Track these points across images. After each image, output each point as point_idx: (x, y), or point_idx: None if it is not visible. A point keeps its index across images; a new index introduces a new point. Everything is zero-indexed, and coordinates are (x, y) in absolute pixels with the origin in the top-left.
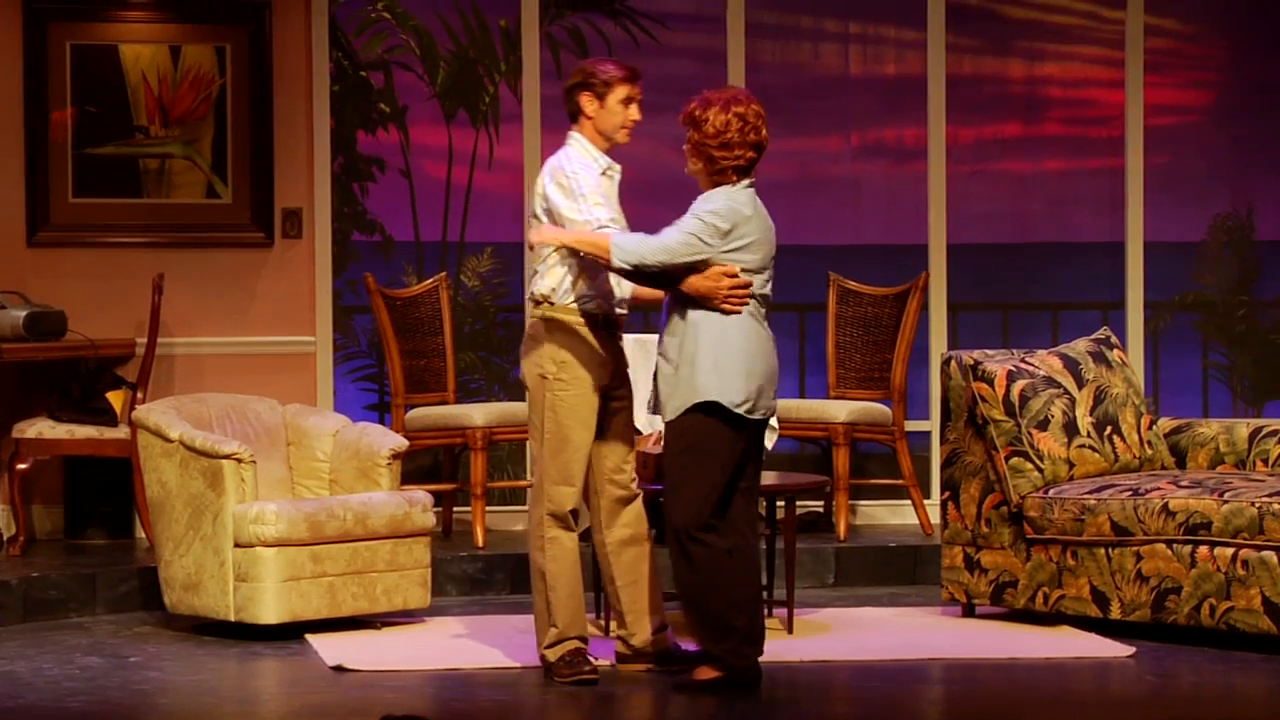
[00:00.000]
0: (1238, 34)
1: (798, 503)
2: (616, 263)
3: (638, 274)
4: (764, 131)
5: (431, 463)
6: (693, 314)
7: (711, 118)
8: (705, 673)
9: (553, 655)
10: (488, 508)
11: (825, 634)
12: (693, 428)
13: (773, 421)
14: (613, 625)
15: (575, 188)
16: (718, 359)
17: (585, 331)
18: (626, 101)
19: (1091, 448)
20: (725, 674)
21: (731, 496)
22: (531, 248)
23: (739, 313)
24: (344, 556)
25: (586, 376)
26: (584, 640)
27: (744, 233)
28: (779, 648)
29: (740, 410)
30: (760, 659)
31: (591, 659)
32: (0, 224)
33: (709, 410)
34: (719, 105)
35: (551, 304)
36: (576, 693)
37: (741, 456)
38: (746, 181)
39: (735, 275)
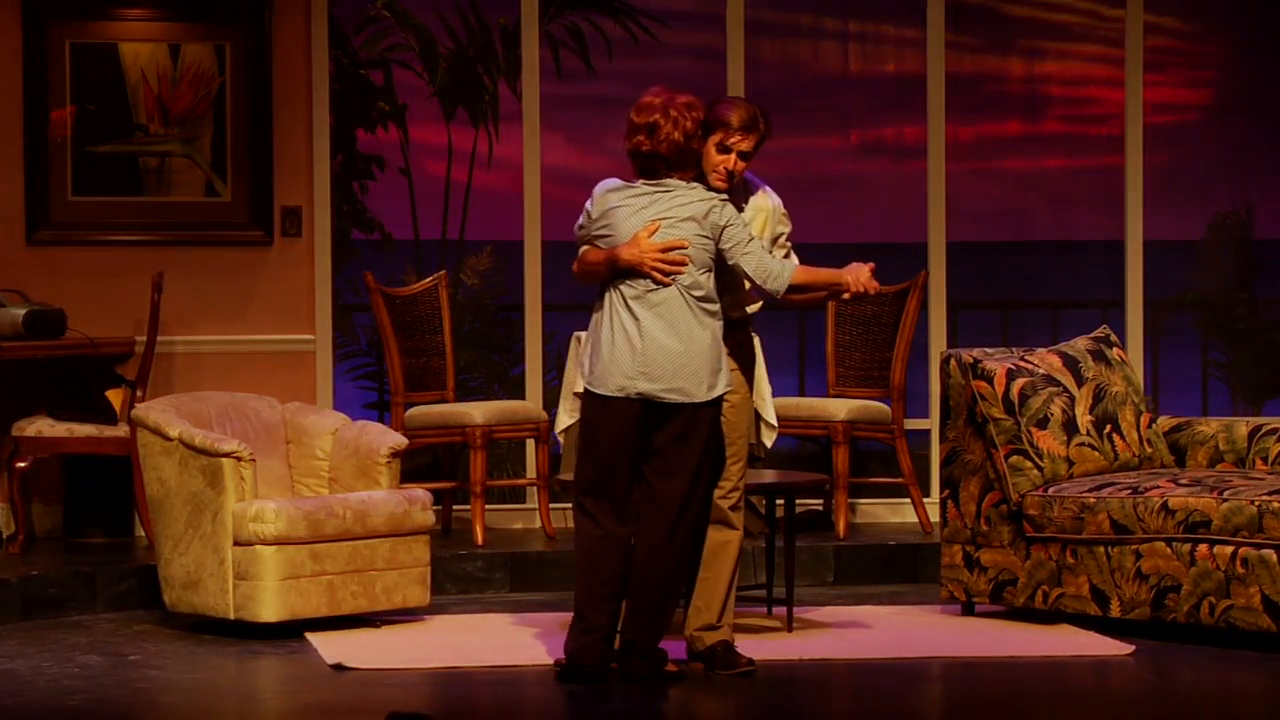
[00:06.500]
0: (1237, 33)
1: (797, 501)
2: None
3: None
4: (649, 143)
5: (431, 461)
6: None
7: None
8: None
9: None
10: (487, 506)
11: (825, 632)
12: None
13: (771, 419)
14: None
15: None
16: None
17: None
18: (720, 147)
19: (1091, 446)
20: (565, 659)
21: (629, 485)
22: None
23: (668, 283)
24: (343, 555)
25: None
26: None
27: (606, 223)
28: (779, 646)
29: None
30: (602, 654)
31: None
32: (0, 222)
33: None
34: (642, 107)
35: None
36: (575, 690)
37: (627, 440)
38: (646, 182)
39: (675, 248)
